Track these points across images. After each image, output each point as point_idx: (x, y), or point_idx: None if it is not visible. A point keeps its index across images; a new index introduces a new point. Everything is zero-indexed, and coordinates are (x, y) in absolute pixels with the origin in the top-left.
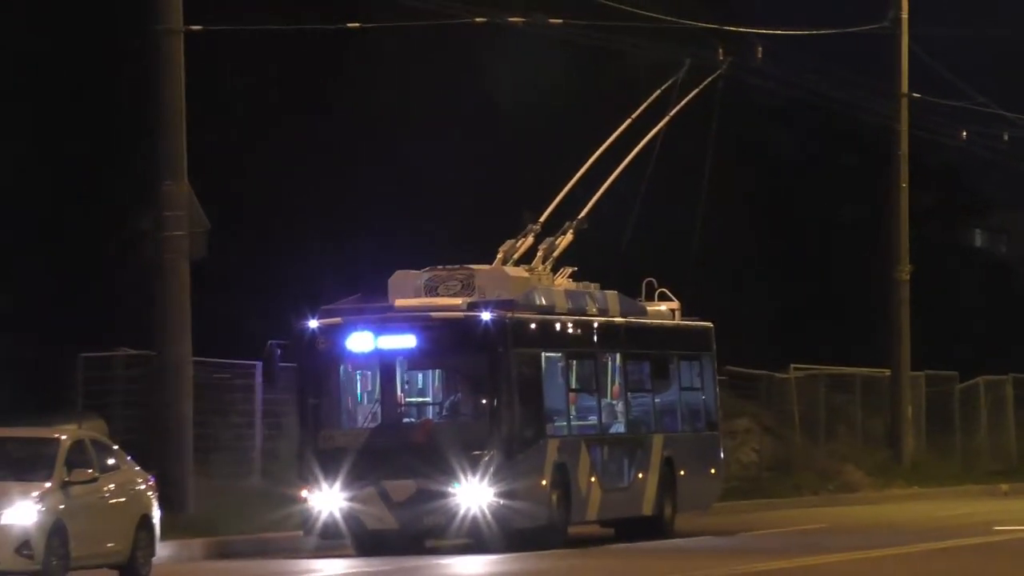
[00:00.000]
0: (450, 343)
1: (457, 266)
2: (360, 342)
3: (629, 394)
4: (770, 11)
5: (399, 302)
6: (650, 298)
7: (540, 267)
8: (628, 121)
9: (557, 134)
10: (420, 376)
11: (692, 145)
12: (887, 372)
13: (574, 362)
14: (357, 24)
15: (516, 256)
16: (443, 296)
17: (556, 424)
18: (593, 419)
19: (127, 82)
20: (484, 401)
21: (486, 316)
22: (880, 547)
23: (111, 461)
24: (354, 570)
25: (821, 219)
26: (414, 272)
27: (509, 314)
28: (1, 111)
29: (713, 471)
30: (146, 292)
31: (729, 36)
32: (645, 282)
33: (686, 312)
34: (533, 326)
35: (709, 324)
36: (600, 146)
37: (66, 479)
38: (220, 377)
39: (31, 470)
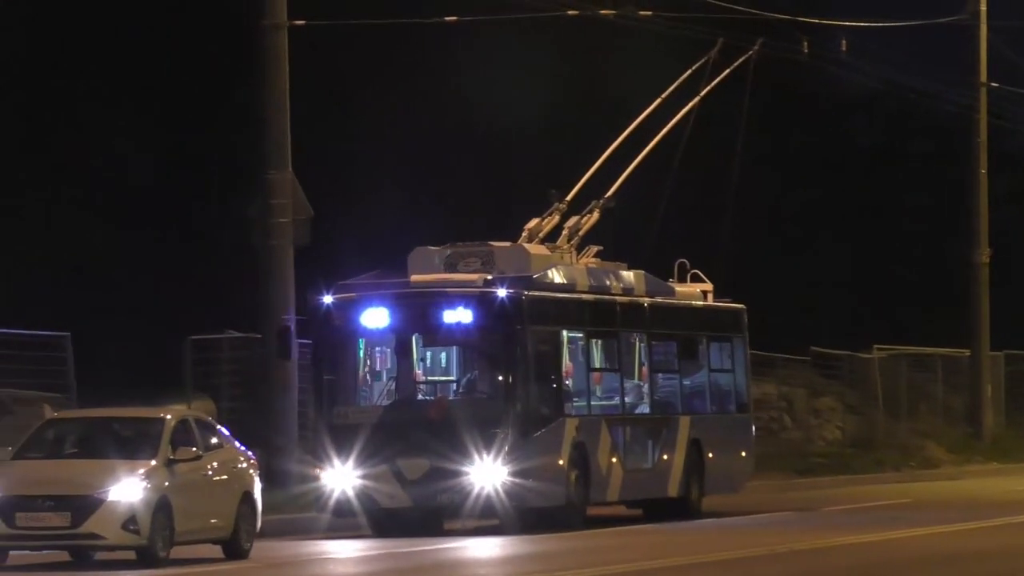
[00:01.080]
0: (466, 319)
1: (477, 243)
2: (375, 318)
3: (654, 375)
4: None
5: (415, 278)
6: (683, 280)
7: (565, 246)
8: (659, 100)
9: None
10: (435, 353)
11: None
12: (967, 352)
13: (595, 341)
14: (454, 18)
15: (541, 235)
16: (462, 273)
17: (575, 403)
18: (615, 399)
19: (231, 74)
20: (499, 379)
21: (502, 292)
22: (958, 522)
23: (214, 440)
24: (365, 553)
25: (896, 204)
26: (434, 248)
27: (526, 291)
28: (111, 102)
29: (744, 453)
30: (252, 276)
31: (812, 28)
32: (677, 263)
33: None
34: (551, 303)
35: (741, 306)
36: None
37: (171, 457)
38: None
39: (137, 449)
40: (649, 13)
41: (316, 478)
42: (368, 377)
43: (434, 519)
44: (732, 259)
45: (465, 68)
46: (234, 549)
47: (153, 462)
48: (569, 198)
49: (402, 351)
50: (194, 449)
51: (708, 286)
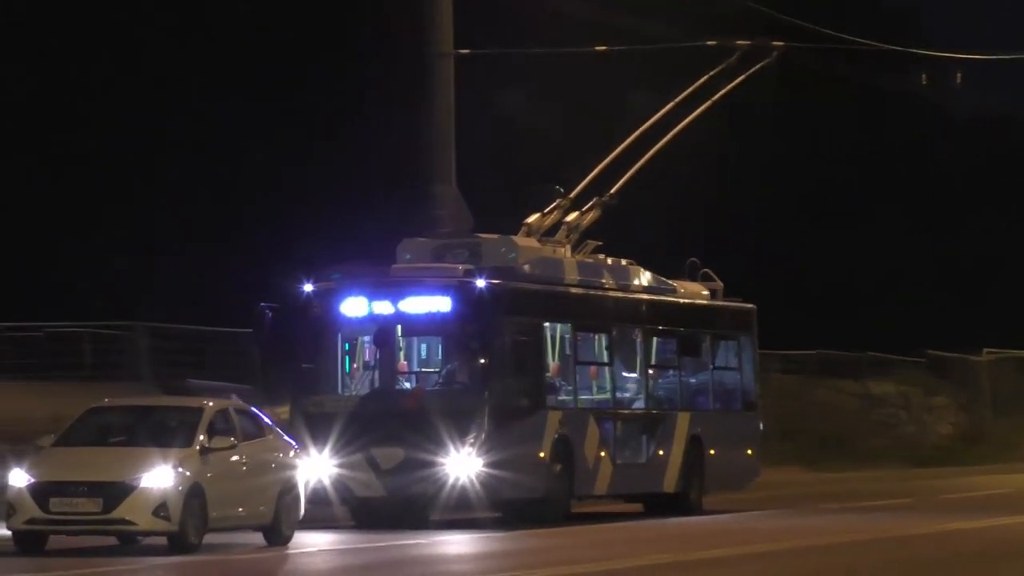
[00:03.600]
0: (444, 309)
1: (466, 234)
2: (353, 306)
3: (650, 370)
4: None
5: (395, 267)
6: (695, 278)
7: (564, 240)
8: (673, 103)
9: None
10: (414, 342)
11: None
12: None
13: (584, 335)
14: (604, 47)
15: (542, 230)
16: (450, 263)
17: (559, 396)
18: (605, 393)
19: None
20: (476, 369)
21: (480, 282)
22: None
23: (257, 429)
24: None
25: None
26: (422, 239)
27: (505, 281)
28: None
29: (749, 451)
30: None
31: (928, 60)
32: (688, 262)
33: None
34: (534, 295)
35: (750, 306)
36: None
37: (206, 445)
38: None
39: (174, 437)
40: (782, 44)
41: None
42: (345, 366)
43: (419, 510)
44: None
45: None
46: (275, 536)
47: (187, 450)
48: (573, 195)
49: (380, 340)
50: (231, 439)
51: (718, 285)
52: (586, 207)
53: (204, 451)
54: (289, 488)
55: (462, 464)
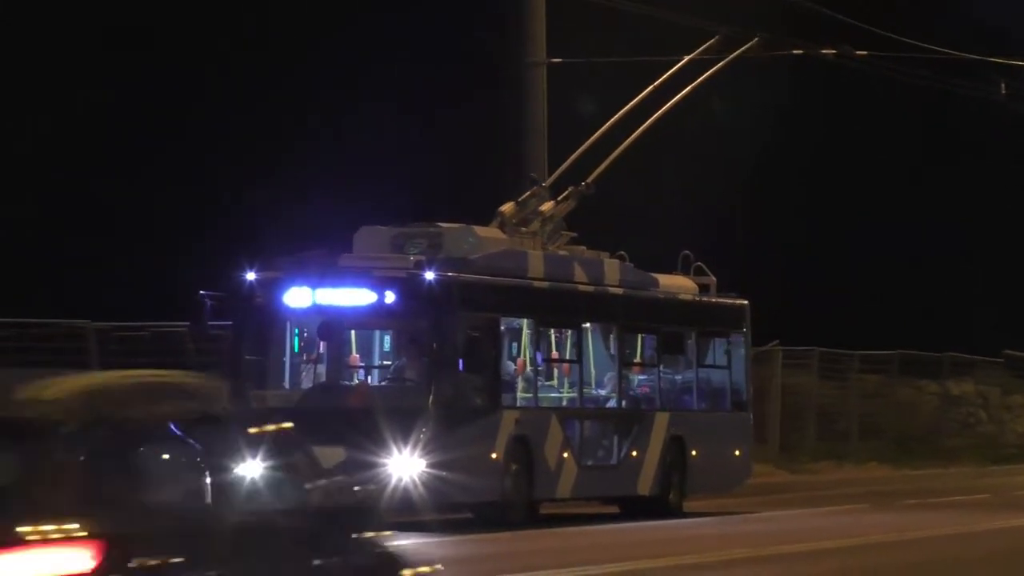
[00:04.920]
0: (391, 302)
1: (425, 223)
2: (297, 297)
3: (625, 368)
4: None
5: (343, 257)
6: (687, 272)
7: (539, 230)
8: (650, 88)
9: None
10: (360, 336)
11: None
12: None
13: (547, 331)
14: (688, 56)
15: (516, 219)
16: (409, 253)
17: (517, 395)
18: (571, 392)
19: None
20: (423, 365)
21: (429, 275)
22: None
23: None
24: None
25: None
26: (382, 228)
27: (457, 274)
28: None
29: (738, 452)
30: None
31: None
32: (681, 255)
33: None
34: (489, 288)
35: (743, 302)
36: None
37: None
38: None
39: None
40: (865, 53)
41: None
42: (288, 360)
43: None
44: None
45: None
46: None
47: None
48: (547, 183)
49: (324, 333)
50: None
51: (710, 280)
52: (561, 196)
53: None
54: None
55: (405, 465)
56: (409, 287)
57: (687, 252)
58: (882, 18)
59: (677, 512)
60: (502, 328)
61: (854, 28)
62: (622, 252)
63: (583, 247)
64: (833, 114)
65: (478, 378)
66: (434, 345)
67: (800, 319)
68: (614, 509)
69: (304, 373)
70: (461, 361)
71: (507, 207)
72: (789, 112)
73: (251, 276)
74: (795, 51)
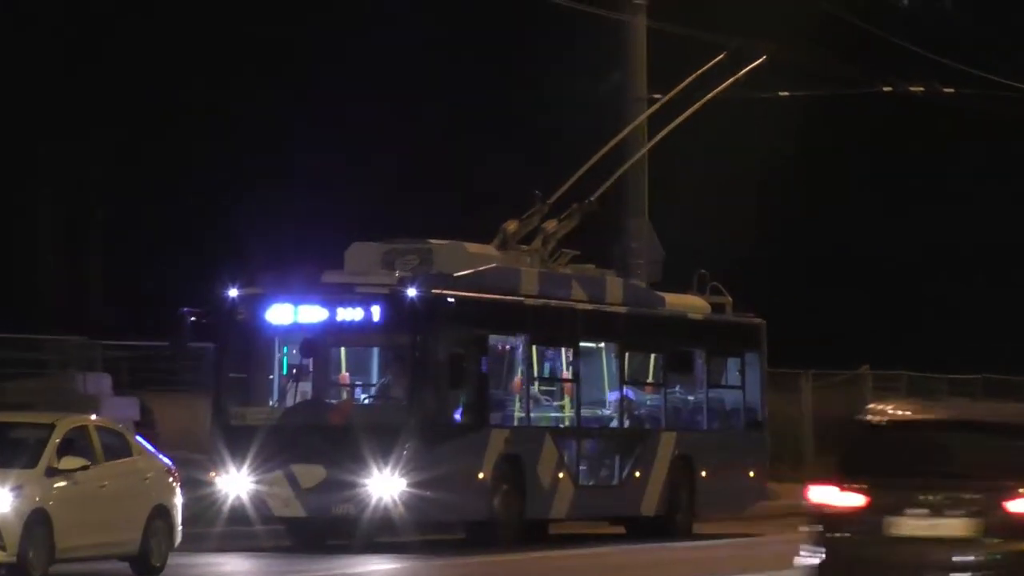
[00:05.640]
0: (373, 319)
1: (416, 239)
2: (280, 315)
3: (627, 387)
4: None
5: (326, 275)
6: (703, 292)
7: (540, 248)
8: (657, 105)
9: None
10: (342, 355)
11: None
12: None
13: (542, 349)
14: (786, 93)
15: (518, 237)
16: (399, 270)
17: (507, 413)
18: (567, 411)
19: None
20: (405, 384)
21: (411, 292)
22: None
23: (121, 448)
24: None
25: None
26: (373, 244)
27: (441, 291)
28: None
29: (752, 473)
30: None
31: None
32: (697, 274)
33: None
34: (476, 306)
35: (758, 321)
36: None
37: (55, 466)
38: None
39: (17, 456)
40: (952, 91)
41: (211, 482)
42: (270, 377)
43: (342, 533)
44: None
45: None
46: (142, 567)
47: (30, 471)
48: (552, 200)
49: (306, 351)
50: (81, 460)
51: (726, 299)
52: (564, 214)
53: (51, 472)
54: (161, 513)
55: (385, 484)
56: (391, 304)
57: (703, 271)
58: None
59: (684, 533)
60: (490, 346)
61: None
62: (608, 270)
63: (591, 265)
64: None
65: (463, 396)
66: (416, 363)
67: (886, 343)
68: (620, 530)
69: (286, 390)
70: (445, 379)
71: (510, 224)
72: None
73: (233, 293)
74: (884, 88)
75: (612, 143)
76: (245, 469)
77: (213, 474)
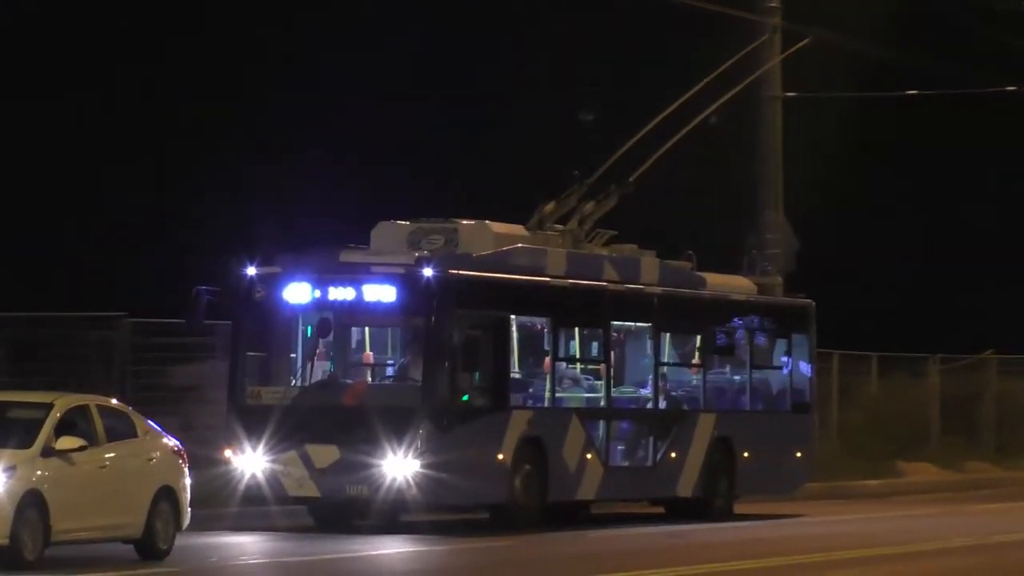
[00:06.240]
0: (389, 299)
1: (442, 219)
2: (296, 294)
3: (662, 369)
4: None
5: (344, 254)
6: (752, 272)
7: (576, 228)
8: (700, 85)
9: None
10: (359, 334)
11: None
12: None
13: (570, 330)
14: (914, 91)
15: (555, 217)
16: (425, 249)
17: (529, 395)
18: (596, 393)
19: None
20: (420, 364)
21: (427, 272)
22: None
23: (127, 429)
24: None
25: None
26: (400, 223)
27: (459, 271)
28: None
29: (799, 454)
30: None
31: None
32: (747, 255)
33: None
34: (496, 286)
35: (807, 302)
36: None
37: (52, 447)
38: None
39: (11, 437)
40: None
41: (227, 461)
42: (286, 357)
43: (357, 513)
44: None
45: None
46: (148, 550)
47: (25, 451)
48: (590, 181)
49: (323, 331)
50: (80, 440)
51: (775, 280)
52: (602, 195)
53: (47, 453)
54: (166, 495)
55: (399, 465)
56: (406, 283)
57: (754, 251)
58: None
59: (723, 514)
60: (512, 327)
61: None
62: (690, 252)
63: (633, 245)
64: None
65: (481, 377)
66: (431, 343)
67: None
68: (660, 510)
69: (302, 370)
70: (462, 360)
71: (548, 204)
72: None
73: (251, 271)
74: (1008, 88)
75: (651, 124)
76: (260, 449)
77: (228, 453)
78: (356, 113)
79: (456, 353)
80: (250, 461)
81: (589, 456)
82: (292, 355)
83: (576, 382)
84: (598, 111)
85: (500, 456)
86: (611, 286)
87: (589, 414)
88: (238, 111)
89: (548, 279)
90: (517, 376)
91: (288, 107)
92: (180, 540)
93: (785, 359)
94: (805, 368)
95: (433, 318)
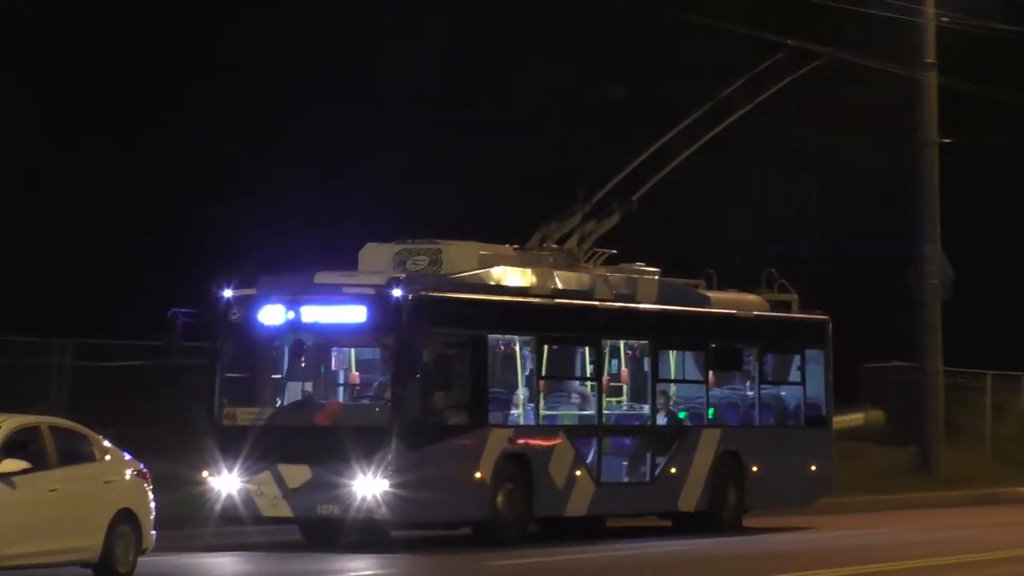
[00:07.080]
0: (360, 320)
1: (427, 240)
2: (271, 315)
3: (660, 385)
4: None
5: (318, 276)
6: (771, 289)
7: (575, 248)
8: (709, 104)
9: None
10: (333, 355)
11: None
12: None
13: (550, 348)
14: None
15: (557, 236)
16: (409, 270)
17: (510, 413)
18: (586, 409)
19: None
20: (391, 384)
21: (396, 292)
22: None
23: (85, 451)
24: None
25: None
26: (386, 245)
27: (429, 292)
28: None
29: (814, 468)
30: (911, 322)
31: None
32: (765, 273)
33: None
34: (471, 305)
35: (822, 318)
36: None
37: None
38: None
39: None
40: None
41: (203, 481)
42: (262, 377)
43: (330, 533)
44: None
45: None
46: (106, 573)
47: None
48: (594, 200)
49: (297, 351)
50: (22, 462)
51: (792, 297)
52: (603, 214)
53: None
54: (127, 517)
55: (369, 485)
56: (376, 304)
57: (772, 270)
58: None
59: (731, 528)
60: (490, 346)
61: None
62: (710, 272)
63: (639, 263)
64: None
65: (458, 396)
66: (401, 363)
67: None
68: (667, 523)
69: (277, 391)
70: (435, 379)
71: (550, 224)
72: None
73: (228, 294)
74: None
75: (657, 144)
76: (236, 469)
77: (206, 474)
78: (352, 127)
79: (429, 372)
80: (226, 481)
81: (578, 472)
82: (267, 376)
83: (564, 399)
84: (625, 89)
85: (478, 474)
86: (601, 304)
87: (578, 431)
88: (230, 126)
89: (528, 298)
90: (498, 394)
91: (282, 126)
92: (148, 562)
93: (798, 374)
94: (820, 382)
95: (403, 337)
